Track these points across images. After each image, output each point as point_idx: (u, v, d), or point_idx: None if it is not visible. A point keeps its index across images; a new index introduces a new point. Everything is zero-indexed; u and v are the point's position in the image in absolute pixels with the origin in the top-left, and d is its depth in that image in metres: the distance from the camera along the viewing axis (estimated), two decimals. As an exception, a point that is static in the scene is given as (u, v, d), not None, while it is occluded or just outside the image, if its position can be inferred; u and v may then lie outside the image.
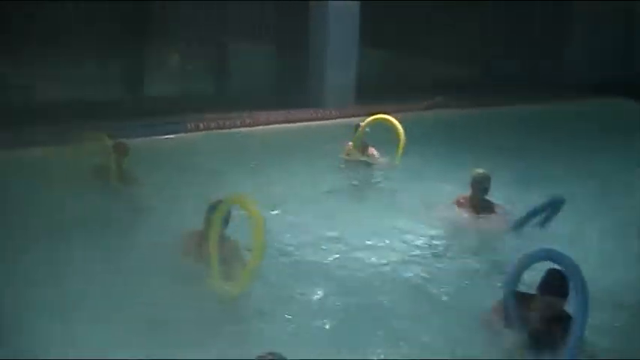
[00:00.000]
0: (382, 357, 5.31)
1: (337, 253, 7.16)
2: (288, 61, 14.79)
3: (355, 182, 9.64)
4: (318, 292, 6.27)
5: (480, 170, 7.80)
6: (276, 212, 8.11)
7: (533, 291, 5.11)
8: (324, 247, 7.29)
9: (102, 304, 5.69)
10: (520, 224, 7.43)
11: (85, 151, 8.89)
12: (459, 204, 7.93)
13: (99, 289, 5.94)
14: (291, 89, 14.33)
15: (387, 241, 7.51)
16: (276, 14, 14.46)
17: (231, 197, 6.05)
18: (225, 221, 6.11)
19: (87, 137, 9.00)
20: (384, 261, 7.05)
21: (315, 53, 14.23)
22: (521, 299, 5.07)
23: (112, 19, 13.02)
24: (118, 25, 13.13)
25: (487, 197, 7.81)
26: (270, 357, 3.56)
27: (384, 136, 10.08)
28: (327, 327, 5.71)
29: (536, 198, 7.73)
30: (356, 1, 14.02)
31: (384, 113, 10.24)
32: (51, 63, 12.84)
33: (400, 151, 9.84)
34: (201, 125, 12.28)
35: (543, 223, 7.42)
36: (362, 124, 10.03)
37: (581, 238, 7.28)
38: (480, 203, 7.79)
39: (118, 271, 6.31)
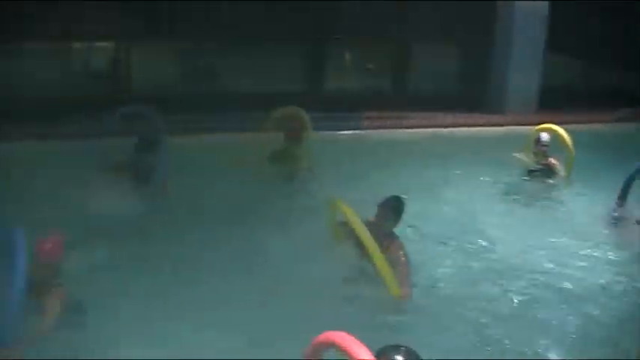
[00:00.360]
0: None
1: (500, 262, 7.07)
2: (469, 62, 14.54)
3: (525, 192, 9.35)
4: (470, 300, 6.22)
5: None
6: (438, 215, 8.07)
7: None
8: (484, 253, 7.23)
9: (263, 293, 5.91)
10: None
11: (267, 139, 9.24)
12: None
13: (260, 276, 6.21)
14: (472, 92, 14.09)
15: (556, 258, 7.27)
16: (461, 13, 14.21)
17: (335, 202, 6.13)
18: (396, 220, 6.17)
19: (284, 112, 9.29)
20: (553, 277, 6.84)
21: (499, 55, 13.90)
22: None
23: (295, 14, 13.31)
24: (302, 20, 13.40)
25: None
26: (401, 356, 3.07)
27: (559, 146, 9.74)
28: (477, 334, 5.64)
29: None
30: (545, 1, 13.55)
31: (566, 123, 9.87)
32: (238, 54, 13.36)
33: (570, 163, 9.46)
34: (377, 123, 12.35)
35: None
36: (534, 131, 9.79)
37: None
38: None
39: (281, 261, 6.53)
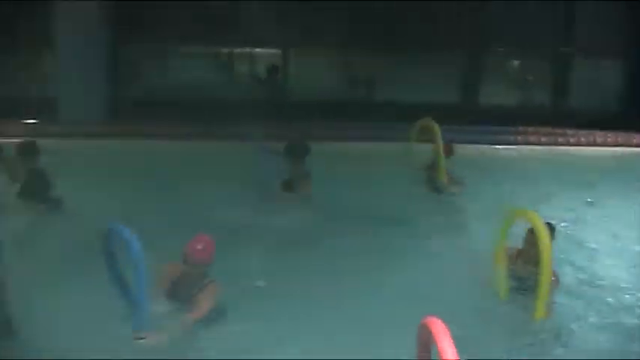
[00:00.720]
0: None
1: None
2: (633, 77, 13.88)
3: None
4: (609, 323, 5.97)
5: None
6: (590, 238, 7.81)
7: None
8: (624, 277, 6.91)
9: (403, 297, 5.88)
10: None
11: (415, 149, 9.25)
12: None
13: (400, 289, 6.14)
14: (634, 110, 13.46)
15: None
16: (627, 25, 13.62)
17: (522, 211, 5.95)
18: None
19: (420, 123, 9.31)
20: None
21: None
22: None
23: (454, 24, 13.25)
24: (463, 30, 13.32)
25: None
26: None
27: None
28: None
29: None
30: None
31: None
32: (397, 64, 13.45)
33: None
34: (532, 139, 12.07)
35: None
36: None
37: None
38: None
39: (423, 266, 6.54)
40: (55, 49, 11.35)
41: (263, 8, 13.12)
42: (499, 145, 11.68)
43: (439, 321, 3.24)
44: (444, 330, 3.17)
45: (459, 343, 2.99)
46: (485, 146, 11.37)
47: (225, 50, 13.56)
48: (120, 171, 8.85)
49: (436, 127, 8.76)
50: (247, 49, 13.52)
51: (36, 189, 7.41)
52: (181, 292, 5.21)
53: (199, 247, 5.10)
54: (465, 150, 9.83)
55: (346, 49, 13.48)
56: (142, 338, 4.71)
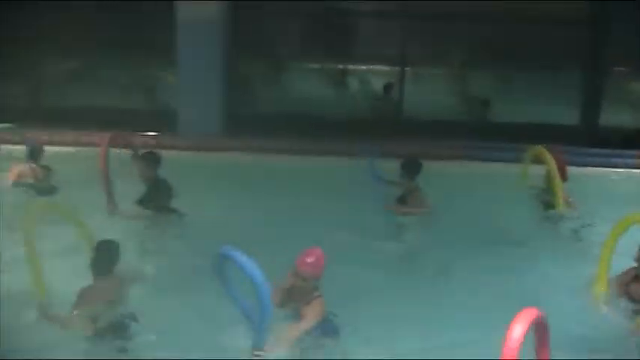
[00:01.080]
0: None
1: None
2: None
3: None
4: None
5: None
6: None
7: None
8: None
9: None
10: None
11: (530, 170, 9.14)
12: None
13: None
14: None
15: None
16: None
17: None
18: None
19: (530, 151, 9.21)
20: None
21: None
22: None
23: (571, 42, 12.98)
24: (579, 49, 13.04)
25: None
26: None
27: None
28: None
29: None
30: None
31: None
32: (513, 83, 13.27)
33: None
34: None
35: None
36: None
37: None
38: None
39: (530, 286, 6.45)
40: (175, 63, 11.78)
41: (379, 26, 13.24)
42: (619, 168, 11.30)
43: (534, 311, 3.18)
44: (527, 319, 3.10)
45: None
46: (604, 169, 11.06)
47: (340, 66, 13.73)
48: (234, 185, 9.10)
49: (547, 155, 8.59)
50: (363, 66, 13.66)
51: (156, 199, 7.70)
52: (290, 303, 5.30)
53: (310, 260, 5.16)
54: (582, 172, 9.64)
55: (463, 68, 13.43)
56: (259, 357, 4.80)
